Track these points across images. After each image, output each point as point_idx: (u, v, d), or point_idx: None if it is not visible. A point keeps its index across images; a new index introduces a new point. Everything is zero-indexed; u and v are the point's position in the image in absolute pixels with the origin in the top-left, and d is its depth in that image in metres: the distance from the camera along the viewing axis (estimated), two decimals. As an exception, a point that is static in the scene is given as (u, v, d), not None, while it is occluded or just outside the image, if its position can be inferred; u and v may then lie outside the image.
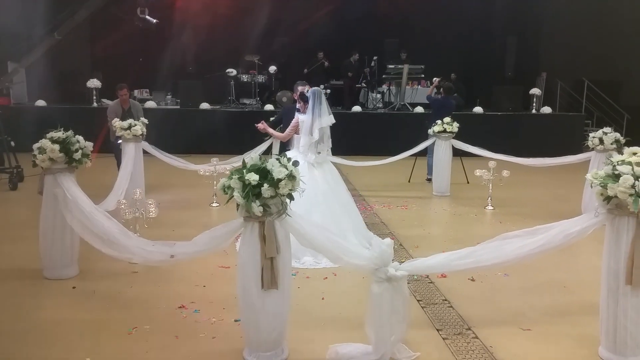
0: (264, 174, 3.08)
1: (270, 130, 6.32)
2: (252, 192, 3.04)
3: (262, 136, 7.96)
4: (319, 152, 5.58)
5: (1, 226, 6.42)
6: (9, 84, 12.08)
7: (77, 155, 4.68)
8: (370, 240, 5.24)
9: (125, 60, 14.92)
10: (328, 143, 5.66)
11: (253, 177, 3.04)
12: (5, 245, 5.64)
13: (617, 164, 3.05)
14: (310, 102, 5.53)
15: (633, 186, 2.90)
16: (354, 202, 5.94)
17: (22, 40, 12.40)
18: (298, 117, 5.66)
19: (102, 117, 8.92)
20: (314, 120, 5.47)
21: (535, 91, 14.22)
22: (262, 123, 6.32)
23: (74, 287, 4.50)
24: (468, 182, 9.41)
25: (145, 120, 7.57)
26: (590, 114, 15.09)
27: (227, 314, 3.92)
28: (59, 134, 4.67)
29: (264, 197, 3.05)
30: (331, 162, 5.91)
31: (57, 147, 4.55)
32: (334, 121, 5.61)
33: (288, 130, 5.82)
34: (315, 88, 5.74)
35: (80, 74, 14.01)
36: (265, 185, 3.04)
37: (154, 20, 13.60)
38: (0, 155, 9.00)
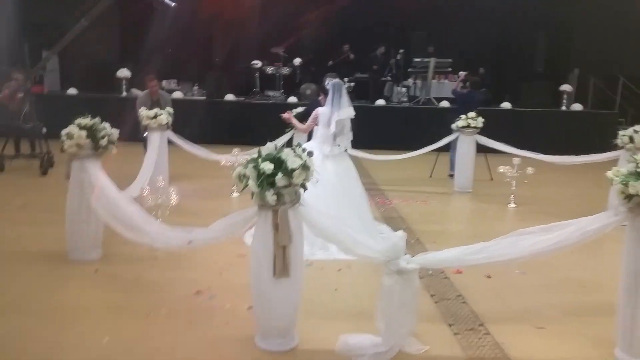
0: (279, 163, 3.13)
1: (294, 121, 6.40)
2: (266, 181, 3.09)
3: (284, 128, 8.03)
4: (338, 145, 5.58)
5: (30, 210, 6.62)
6: (42, 71, 12.36)
7: (104, 142, 4.80)
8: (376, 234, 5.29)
9: (155, 51, 15.12)
10: (349, 136, 5.65)
11: (268, 166, 3.09)
12: (33, 227, 5.82)
13: (640, 162, 3.00)
14: (329, 94, 5.55)
15: (654, 185, 2.85)
16: (366, 199, 5.89)
17: (53, 27, 12.70)
18: (318, 109, 5.69)
19: (131, 107, 9.09)
20: (332, 113, 5.49)
21: (566, 87, 13.93)
22: (288, 113, 6.43)
23: (96, 270, 4.63)
24: (492, 179, 9.29)
25: (171, 110, 7.69)
26: (624, 112, 14.71)
27: (241, 300, 3.98)
28: (87, 121, 4.79)
29: (277, 186, 3.10)
30: (352, 155, 5.91)
31: (84, 133, 4.68)
32: (353, 114, 5.60)
33: (308, 122, 5.86)
34: (336, 80, 5.75)
35: (111, 64, 14.25)
36: (280, 175, 3.08)
37: (173, 4, 13.66)
38: (32, 141, 9.24)
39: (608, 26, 14.34)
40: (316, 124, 5.70)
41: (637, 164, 3.01)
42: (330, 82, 5.72)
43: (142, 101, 8.39)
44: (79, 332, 3.55)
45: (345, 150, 5.78)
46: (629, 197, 2.97)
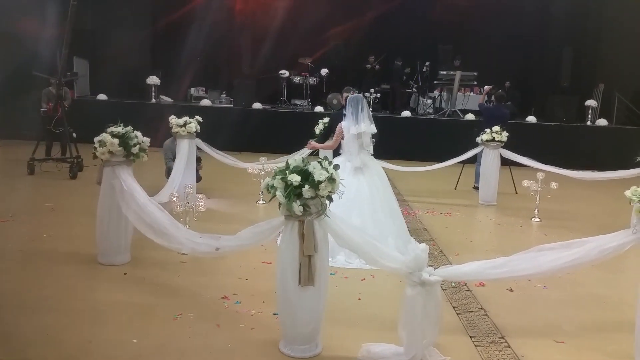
0: (306, 175, 3.24)
1: (319, 146, 6.56)
2: (293, 192, 3.20)
3: (310, 137, 8.15)
4: (367, 150, 5.64)
5: (61, 212, 6.84)
6: (75, 77, 12.72)
7: (135, 150, 4.96)
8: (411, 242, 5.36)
9: (184, 59, 15.44)
10: (369, 150, 5.72)
11: (295, 178, 3.20)
12: (64, 229, 6.02)
13: (659, 182, 3.04)
14: (347, 108, 5.65)
15: (672, 204, 2.89)
16: (399, 208, 5.98)
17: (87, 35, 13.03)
18: (341, 123, 5.78)
19: (160, 113, 9.32)
20: (350, 126, 5.59)
21: (591, 102, 13.85)
22: (309, 143, 6.59)
23: (125, 273, 4.78)
24: (516, 193, 9.27)
25: (200, 118, 7.87)
26: (650, 128, 14.54)
27: (266, 307, 4.09)
28: (119, 129, 4.95)
29: (304, 197, 3.21)
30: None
31: (116, 141, 4.84)
32: (374, 130, 5.67)
33: (334, 138, 5.97)
34: (355, 95, 5.83)
35: (141, 71, 14.58)
36: (306, 187, 3.19)
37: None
38: (63, 146, 9.53)
39: (633, 42, 14.23)
40: (342, 139, 5.79)
41: (657, 183, 3.05)
42: (348, 97, 5.81)
43: (168, 148, 7.85)
44: (110, 332, 3.69)
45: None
46: (646, 216, 3.02)
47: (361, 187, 5.49)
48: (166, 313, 3.99)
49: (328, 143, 6.35)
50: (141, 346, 3.50)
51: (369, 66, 15.03)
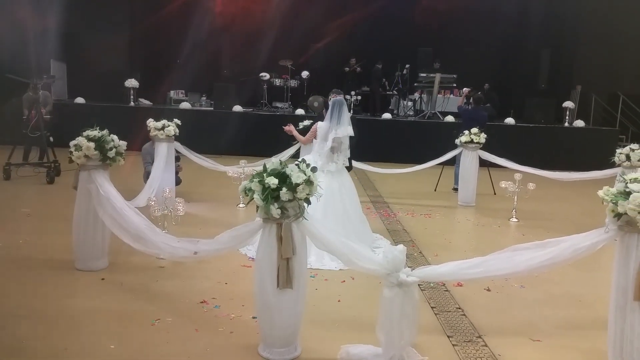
0: (283, 178, 3.24)
1: (295, 133, 6.55)
2: (271, 195, 3.20)
3: (290, 140, 8.16)
4: (335, 162, 5.67)
5: (37, 217, 6.74)
6: (51, 80, 12.54)
7: (111, 154, 4.91)
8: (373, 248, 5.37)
9: (163, 62, 15.36)
10: (346, 153, 5.74)
11: (272, 181, 3.20)
12: (40, 236, 5.93)
13: (629, 182, 3.10)
14: (329, 110, 5.67)
15: (643, 204, 2.94)
16: (359, 215, 5.93)
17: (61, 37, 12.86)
18: (317, 123, 5.81)
19: (138, 116, 9.23)
20: (330, 129, 5.60)
21: (568, 104, 14.08)
22: (289, 125, 6.57)
23: (103, 279, 4.73)
24: (495, 193, 9.38)
25: (178, 122, 7.81)
26: (625, 129, 14.84)
27: (245, 310, 4.08)
28: (95, 133, 4.90)
29: (282, 200, 3.21)
30: (358, 168, 6.00)
31: (92, 145, 4.78)
32: (351, 133, 5.68)
33: (308, 134, 6.00)
34: (337, 98, 5.86)
35: (119, 74, 14.45)
36: (284, 189, 3.19)
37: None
38: (42, 150, 9.36)
39: (609, 44, 14.54)
40: (315, 138, 5.82)
41: (627, 183, 3.10)
42: (332, 99, 5.84)
43: (147, 152, 7.82)
44: (86, 339, 3.64)
45: (350, 168, 5.87)
46: (618, 215, 3.07)
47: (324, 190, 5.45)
48: (144, 318, 3.95)
49: (302, 136, 6.36)
50: (119, 352, 3.47)
51: (347, 69, 15.09)
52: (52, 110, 10.40)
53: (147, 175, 7.31)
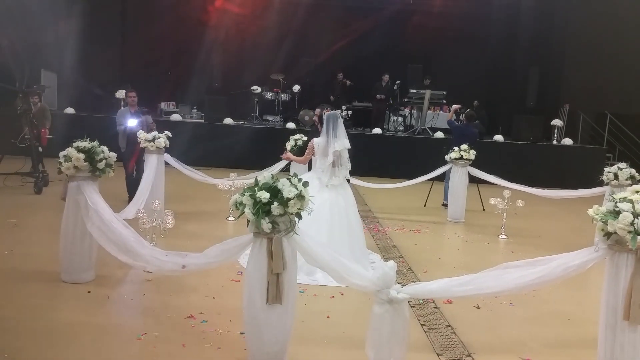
0: (275, 192, 3.22)
1: (293, 157, 6.59)
2: (262, 210, 3.18)
3: (281, 153, 8.16)
4: (338, 176, 5.66)
5: (24, 229, 6.65)
6: (41, 90, 12.46)
7: (101, 165, 4.88)
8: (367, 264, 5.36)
9: (154, 73, 15.34)
10: (347, 166, 5.75)
11: (264, 195, 3.18)
12: (26, 247, 5.84)
13: (619, 201, 3.12)
14: (324, 125, 5.68)
15: (632, 224, 2.96)
16: (361, 230, 5.95)
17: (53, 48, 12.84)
18: (314, 140, 5.80)
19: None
20: (328, 144, 5.61)
21: (556, 122, 14.22)
22: (286, 153, 6.65)
23: (89, 292, 4.66)
24: (484, 210, 9.42)
25: (169, 133, 7.79)
26: (612, 148, 15.01)
27: (233, 326, 4.03)
28: (85, 144, 4.87)
29: (273, 214, 3.19)
30: (349, 184, 6.01)
31: (82, 156, 4.75)
32: (348, 146, 5.69)
33: (305, 153, 5.99)
34: (332, 112, 5.88)
35: (110, 85, 14.40)
36: (275, 204, 3.18)
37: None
38: (34, 161, 9.20)
39: (597, 64, 14.77)
40: (313, 154, 5.81)
41: (616, 203, 3.13)
42: (326, 114, 5.85)
43: (122, 114, 8.50)
44: (71, 353, 3.58)
45: (348, 181, 5.88)
46: (608, 234, 3.09)
47: (323, 204, 5.46)
48: (130, 333, 3.89)
49: (299, 157, 6.37)
50: (103, 367, 3.41)
51: (344, 82, 15.12)
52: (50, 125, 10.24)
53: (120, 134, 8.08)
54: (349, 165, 5.77)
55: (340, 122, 5.72)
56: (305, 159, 6.10)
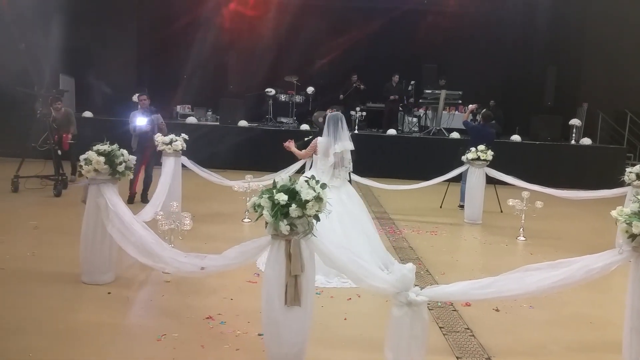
0: (293, 194, 3.22)
1: (293, 149, 6.52)
2: (280, 212, 3.19)
3: (296, 156, 8.15)
4: (338, 177, 5.66)
5: (44, 230, 6.74)
6: (60, 94, 12.61)
7: (121, 168, 4.93)
8: (387, 263, 5.35)
9: (170, 76, 15.45)
10: (349, 167, 5.74)
11: (282, 197, 3.19)
12: (46, 249, 5.92)
13: (643, 202, 3.08)
14: (326, 126, 5.68)
15: (657, 225, 2.92)
16: (373, 226, 5.95)
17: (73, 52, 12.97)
18: (318, 138, 5.81)
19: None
20: (330, 144, 5.61)
21: (575, 122, 14.03)
22: (289, 142, 6.56)
23: (109, 293, 4.71)
24: (502, 211, 9.32)
25: (186, 136, 7.85)
26: (633, 147, 14.79)
27: (251, 327, 4.04)
28: (105, 147, 4.92)
29: (291, 216, 3.19)
30: (363, 184, 6.00)
31: (102, 159, 4.80)
32: (351, 147, 5.69)
33: (307, 149, 6.01)
34: (334, 113, 5.86)
35: (127, 88, 14.51)
36: (293, 206, 3.18)
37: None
38: (56, 164, 9.28)
39: (615, 62, 14.52)
40: (315, 153, 5.81)
41: (640, 204, 3.08)
42: (327, 115, 5.85)
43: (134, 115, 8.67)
44: (92, 353, 3.62)
45: (349, 181, 5.86)
46: (632, 236, 3.04)
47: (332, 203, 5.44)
48: (150, 334, 3.92)
49: (301, 152, 6.36)
50: (124, 368, 3.44)
51: (355, 84, 15.10)
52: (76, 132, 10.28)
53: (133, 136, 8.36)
54: (350, 167, 5.76)
55: (343, 123, 5.70)
56: (305, 155, 6.12)
